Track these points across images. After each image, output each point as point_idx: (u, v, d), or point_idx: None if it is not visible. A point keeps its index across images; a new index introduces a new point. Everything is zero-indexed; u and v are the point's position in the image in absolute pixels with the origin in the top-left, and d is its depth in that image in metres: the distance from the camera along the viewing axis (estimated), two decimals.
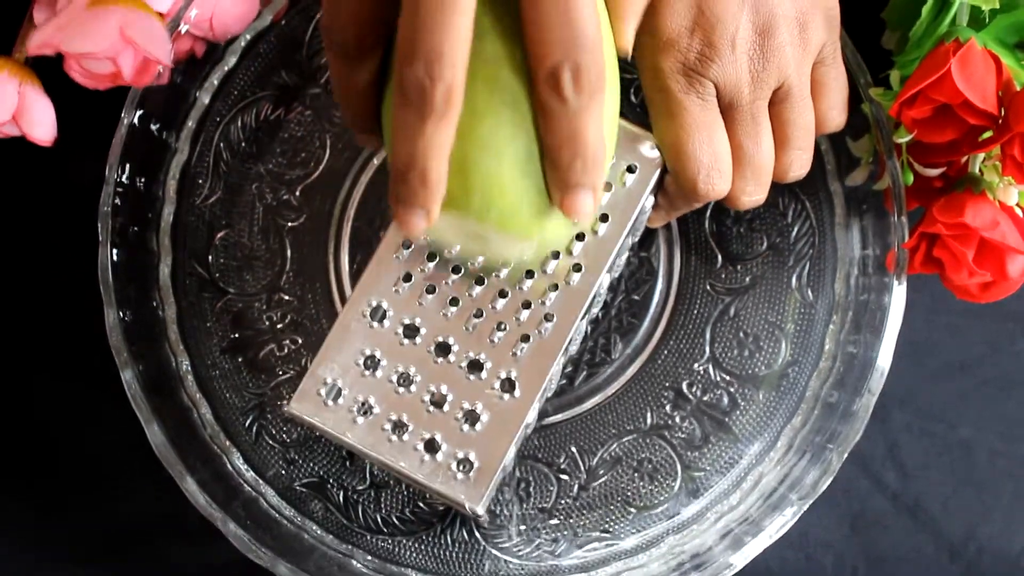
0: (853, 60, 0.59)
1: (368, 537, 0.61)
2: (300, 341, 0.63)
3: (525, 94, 0.47)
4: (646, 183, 0.55)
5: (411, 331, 0.55)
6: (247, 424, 0.62)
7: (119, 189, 0.60)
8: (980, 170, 0.58)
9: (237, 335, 0.63)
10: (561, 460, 0.62)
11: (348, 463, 0.62)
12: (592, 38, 0.46)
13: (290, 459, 0.62)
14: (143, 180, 0.62)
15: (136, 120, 0.60)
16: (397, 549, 0.61)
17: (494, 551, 0.61)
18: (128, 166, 0.60)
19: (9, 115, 0.57)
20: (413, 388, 0.54)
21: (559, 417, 0.62)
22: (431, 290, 0.55)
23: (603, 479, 0.62)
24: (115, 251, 0.60)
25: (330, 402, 0.54)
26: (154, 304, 0.62)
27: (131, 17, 0.55)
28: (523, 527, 0.61)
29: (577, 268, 0.55)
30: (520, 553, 0.61)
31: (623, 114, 0.53)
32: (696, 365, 0.63)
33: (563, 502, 0.62)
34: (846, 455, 0.58)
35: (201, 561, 0.63)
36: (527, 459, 0.62)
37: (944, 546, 0.64)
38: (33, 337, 0.65)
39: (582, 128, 0.47)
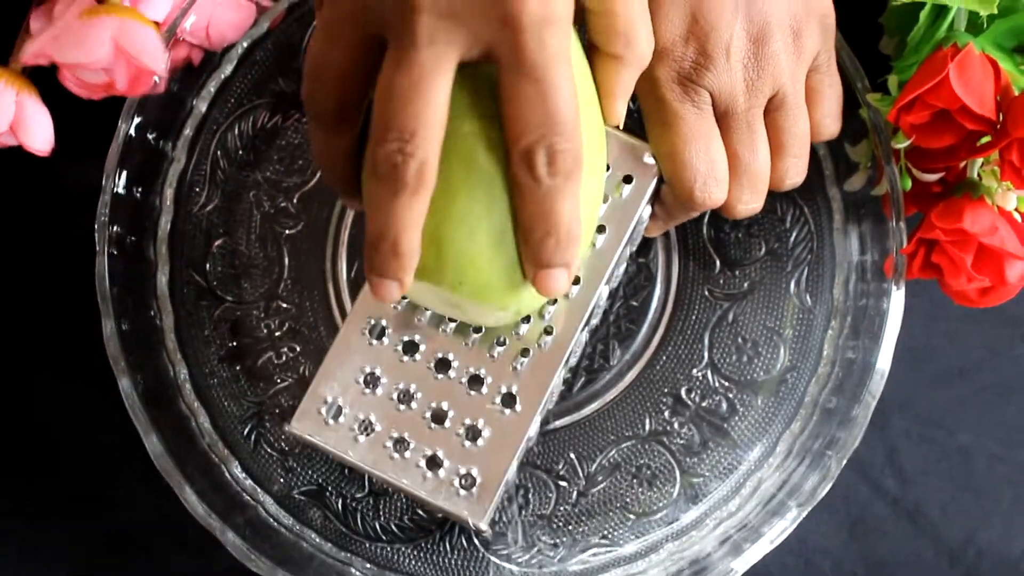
0: (851, 65, 0.59)
1: (367, 545, 0.61)
2: (298, 349, 0.63)
3: (501, 171, 0.47)
4: (643, 193, 0.55)
5: (411, 347, 0.55)
6: (245, 432, 0.62)
7: (116, 198, 0.60)
8: (978, 175, 0.58)
9: (235, 343, 0.63)
10: (560, 467, 0.62)
11: (347, 471, 0.62)
12: (569, 121, 0.46)
13: (289, 467, 0.62)
14: (140, 189, 0.62)
15: (133, 129, 0.60)
16: (396, 556, 0.61)
17: (493, 558, 0.61)
18: (125, 175, 0.60)
19: (6, 125, 0.57)
20: (414, 405, 0.54)
21: (558, 424, 0.62)
22: None
23: (602, 485, 0.62)
24: (112, 260, 0.60)
25: (331, 420, 0.54)
26: (152, 313, 0.62)
27: (124, 27, 0.55)
28: (522, 534, 0.61)
29: (576, 281, 0.55)
30: (519, 560, 0.61)
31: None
32: (695, 371, 0.63)
33: (562, 509, 0.62)
34: (845, 461, 0.58)
35: (200, 569, 0.63)
36: (526, 466, 0.62)
37: (943, 551, 0.64)
38: (33, 343, 0.65)
39: (555, 208, 0.47)
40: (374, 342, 0.55)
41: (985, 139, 0.56)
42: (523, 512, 0.62)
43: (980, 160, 0.58)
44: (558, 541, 0.61)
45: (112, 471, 0.64)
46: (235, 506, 0.60)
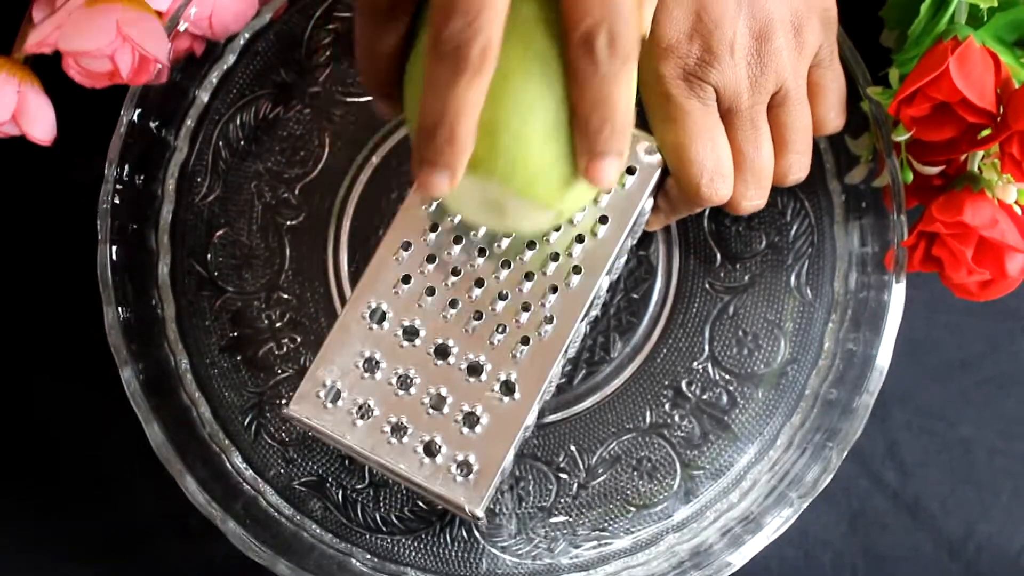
0: (852, 58, 0.59)
1: (367, 536, 0.61)
2: (299, 340, 0.63)
3: (558, 58, 0.46)
4: (645, 185, 0.55)
5: (411, 333, 0.55)
6: (246, 423, 0.62)
7: (118, 187, 0.60)
8: (979, 168, 0.58)
9: (236, 334, 0.63)
10: (560, 459, 0.62)
11: (347, 462, 0.62)
12: (628, 4, 0.45)
13: (289, 458, 0.62)
14: (142, 178, 0.62)
15: (135, 118, 0.60)
16: (396, 548, 0.61)
17: (493, 550, 0.61)
18: (127, 164, 0.60)
19: (9, 114, 0.57)
20: (413, 390, 0.54)
21: (558, 416, 0.62)
22: (431, 292, 0.55)
23: (602, 478, 0.62)
24: (114, 249, 0.60)
25: (329, 404, 0.54)
26: (153, 302, 0.62)
27: (129, 15, 0.55)
28: (522, 526, 0.61)
29: (576, 270, 0.55)
30: (519, 552, 0.61)
31: None
32: (695, 364, 0.63)
33: (562, 501, 0.62)
34: (845, 453, 0.58)
35: (201, 560, 0.63)
36: (526, 458, 0.62)
37: (943, 544, 0.64)
38: (33, 336, 0.65)
39: (613, 93, 0.46)
40: (374, 327, 0.55)
41: (985, 132, 0.56)
42: (523, 504, 0.62)
43: (981, 153, 0.58)
44: (558, 533, 0.61)
45: (112, 469, 0.64)
46: (236, 495, 0.60)
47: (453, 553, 0.61)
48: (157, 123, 0.62)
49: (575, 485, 0.62)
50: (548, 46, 0.46)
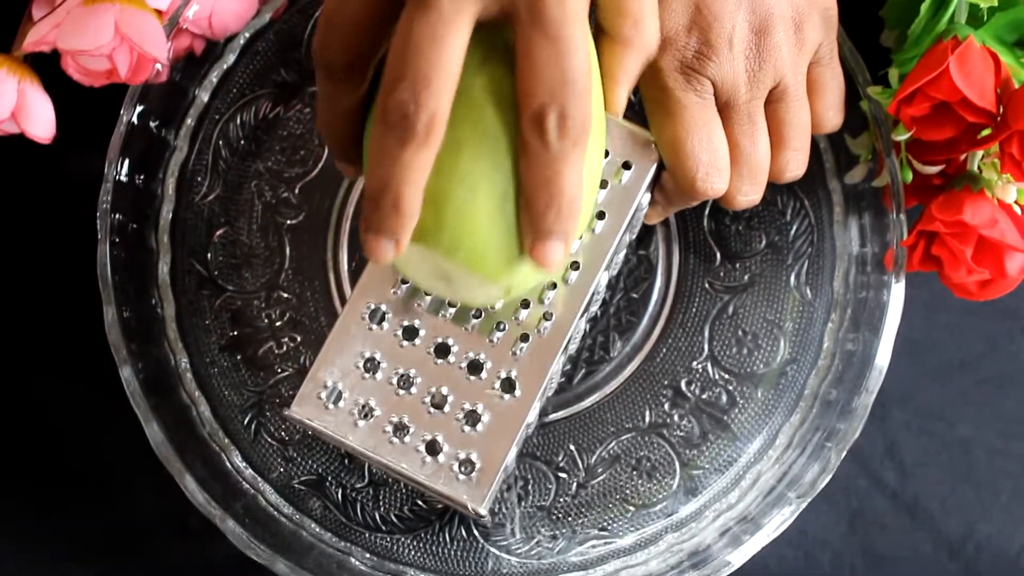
0: (851, 58, 0.59)
1: (367, 535, 0.61)
2: (299, 339, 0.63)
3: (508, 134, 0.47)
4: (642, 180, 0.55)
5: (410, 333, 0.55)
6: (246, 422, 0.62)
7: (118, 187, 0.60)
8: (979, 168, 0.58)
9: (236, 333, 0.63)
10: (560, 458, 0.62)
11: (347, 461, 0.62)
12: (582, 85, 0.45)
13: (289, 457, 0.62)
14: (142, 177, 0.62)
15: (135, 117, 0.60)
16: (396, 547, 0.61)
17: (493, 549, 0.61)
18: (127, 163, 0.61)
19: (8, 112, 0.57)
20: (413, 390, 0.54)
21: (558, 415, 0.62)
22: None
23: (602, 477, 0.62)
24: (114, 249, 0.60)
25: (331, 405, 0.54)
26: (153, 302, 0.62)
27: (127, 14, 0.55)
28: (522, 525, 0.61)
29: (575, 266, 0.55)
30: (519, 551, 0.61)
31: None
32: (695, 363, 0.63)
33: (562, 500, 0.62)
34: (845, 453, 0.58)
35: (201, 559, 0.63)
36: (526, 457, 0.62)
37: (943, 544, 0.64)
38: (33, 335, 0.65)
39: (561, 174, 0.46)
40: (374, 327, 0.55)
41: (985, 132, 0.56)
42: (522, 503, 0.62)
43: (980, 152, 0.58)
44: (557, 532, 0.61)
45: (112, 469, 0.64)
46: (235, 495, 0.60)
47: (453, 552, 0.61)
48: (157, 122, 0.62)
49: (574, 484, 0.62)
50: (502, 120, 0.47)
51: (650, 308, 0.63)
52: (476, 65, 0.47)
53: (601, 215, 0.55)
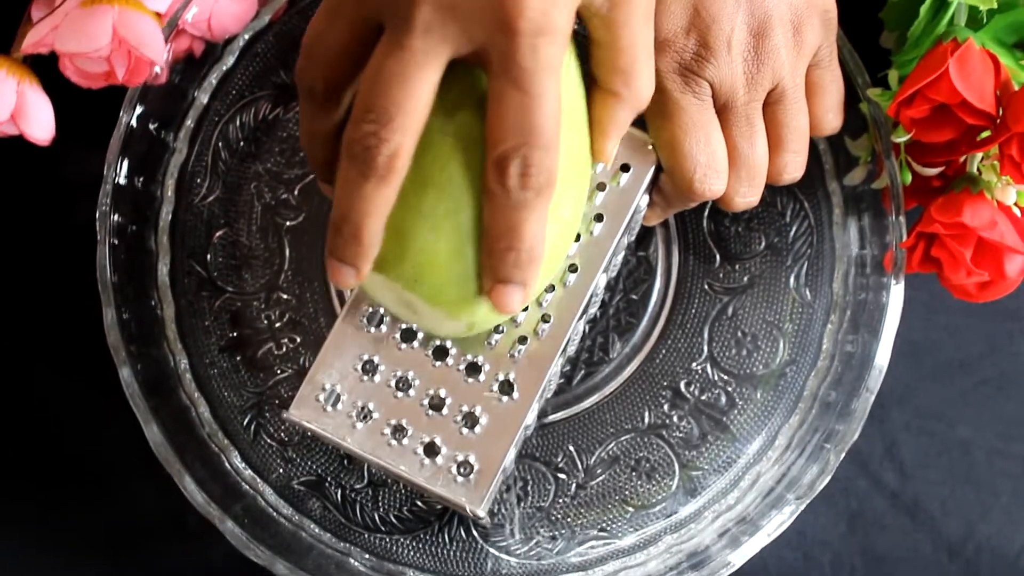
0: (851, 60, 0.59)
1: (366, 535, 0.61)
2: (298, 340, 0.63)
3: (475, 175, 0.47)
4: (640, 182, 0.55)
5: (408, 335, 0.55)
6: (245, 423, 0.62)
7: (117, 188, 0.60)
8: (978, 169, 0.58)
9: (235, 334, 0.63)
10: (559, 459, 0.62)
11: (346, 462, 0.62)
12: (548, 137, 0.46)
13: (288, 458, 0.62)
14: (141, 179, 0.62)
15: (135, 119, 0.60)
16: (395, 547, 0.61)
17: (492, 550, 0.61)
18: (126, 165, 0.61)
19: (7, 114, 0.57)
20: (412, 392, 0.54)
21: (557, 416, 0.62)
22: None
23: (601, 478, 0.62)
24: (113, 250, 0.60)
25: (329, 407, 0.54)
26: (152, 303, 0.62)
27: (125, 17, 0.55)
28: (521, 526, 0.61)
29: (573, 268, 0.55)
30: (518, 552, 0.61)
31: None
32: (694, 364, 0.63)
33: (561, 501, 0.62)
34: (844, 454, 0.58)
35: (200, 560, 0.64)
36: (525, 458, 0.62)
37: (942, 545, 0.64)
38: (33, 336, 0.65)
39: (522, 222, 0.47)
40: (372, 329, 0.55)
41: (985, 134, 0.56)
42: (522, 504, 0.62)
43: (980, 155, 0.58)
44: (557, 533, 0.62)
45: (112, 469, 0.64)
46: (234, 495, 0.60)
47: (452, 553, 0.61)
48: (156, 124, 0.62)
49: (574, 485, 0.62)
50: (467, 163, 0.47)
51: (649, 309, 0.63)
52: (450, 105, 0.47)
53: (599, 217, 0.55)
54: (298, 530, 0.61)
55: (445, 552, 0.61)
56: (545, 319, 0.55)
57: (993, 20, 0.57)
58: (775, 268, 0.63)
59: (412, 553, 0.61)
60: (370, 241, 0.47)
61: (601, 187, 0.55)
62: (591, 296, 0.55)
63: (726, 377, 0.63)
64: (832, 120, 0.57)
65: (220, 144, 0.64)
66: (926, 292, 0.63)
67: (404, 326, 0.55)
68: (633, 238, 0.61)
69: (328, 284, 0.63)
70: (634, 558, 0.61)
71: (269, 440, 0.62)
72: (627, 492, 0.62)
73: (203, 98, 0.63)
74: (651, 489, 0.62)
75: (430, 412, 0.54)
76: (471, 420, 0.54)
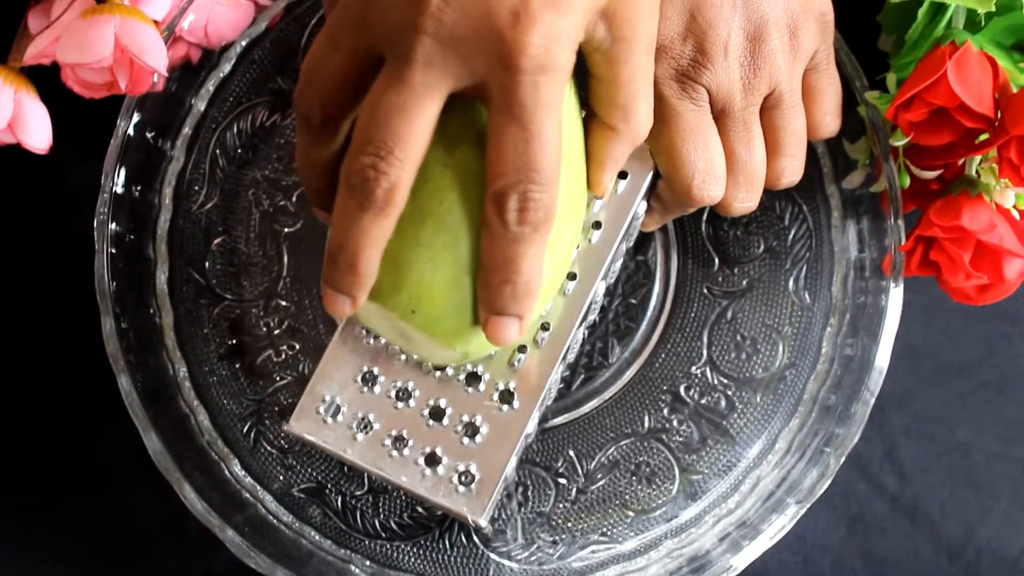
0: (849, 63, 0.59)
1: (366, 542, 0.61)
2: (297, 347, 0.63)
3: (475, 209, 0.47)
4: (638, 189, 0.55)
5: None
6: (245, 430, 0.62)
7: (115, 197, 0.60)
8: (977, 172, 0.58)
9: (234, 341, 0.63)
10: (559, 464, 0.62)
11: (347, 469, 0.62)
12: (547, 171, 0.46)
13: (288, 465, 0.62)
14: (139, 187, 0.62)
15: (132, 128, 0.60)
16: (396, 554, 0.61)
17: (493, 555, 0.61)
18: (124, 173, 0.60)
19: (4, 123, 0.57)
20: (412, 402, 0.54)
21: (557, 421, 0.62)
22: None
23: (601, 483, 0.62)
24: (112, 259, 0.60)
25: (329, 419, 0.54)
26: (151, 311, 0.62)
27: (127, 26, 0.55)
28: (521, 531, 0.61)
29: (572, 276, 0.55)
30: (519, 557, 0.61)
31: None
32: (694, 368, 0.63)
33: (561, 506, 0.62)
34: (844, 457, 0.58)
35: (200, 567, 0.64)
36: (525, 463, 0.62)
37: (942, 548, 0.64)
38: (32, 342, 0.65)
39: (518, 257, 0.47)
40: (371, 341, 0.55)
41: (983, 136, 0.56)
42: (522, 509, 0.62)
43: (978, 157, 0.58)
44: (557, 538, 0.62)
45: (112, 476, 0.64)
46: (235, 504, 0.60)
47: (452, 559, 0.61)
48: (154, 132, 0.62)
49: (574, 490, 0.62)
50: (466, 196, 0.47)
51: (649, 313, 0.63)
52: (449, 138, 0.47)
53: (598, 225, 0.55)
54: (298, 537, 0.61)
55: (446, 558, 0.61)
56: (545, 327, 0.55)
57: (991, 23, 0.57)
58: (774, 272, 0.63)
59: (413, 559, 0.61)
60: (367, 271, 0.47)
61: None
62: (590, 303, 0.55)
63: (726, 381, 0.63)
64: (830, 123, 0.57)
65: (218, 151, 0.64)
66: (925, 295, 0.63)
67: None
68: (631, 244, 0.60)
69: None
70: (635, 562, 0.61)
71: (269, 448, 0.62)
72: (627, 496, 0.62)
73: (200, 105, 0.63)
74: (651, 493, 0.62)
75: (431, 422, 0.54)
76: (472, 430, 0.54)
